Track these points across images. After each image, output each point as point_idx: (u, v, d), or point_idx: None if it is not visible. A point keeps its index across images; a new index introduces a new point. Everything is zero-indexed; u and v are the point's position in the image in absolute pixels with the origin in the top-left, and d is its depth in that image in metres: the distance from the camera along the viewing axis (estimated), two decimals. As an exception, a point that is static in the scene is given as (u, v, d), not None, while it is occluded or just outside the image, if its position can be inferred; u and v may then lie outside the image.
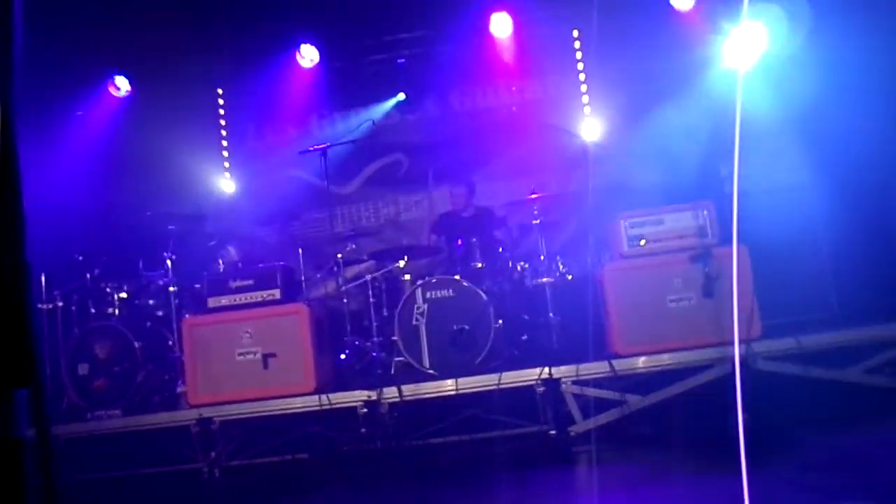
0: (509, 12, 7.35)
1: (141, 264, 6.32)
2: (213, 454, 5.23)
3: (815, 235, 5.92)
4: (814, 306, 5.73)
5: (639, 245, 5.29)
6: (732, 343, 4.92)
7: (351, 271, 6.71)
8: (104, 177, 7.59)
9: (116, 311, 6.12)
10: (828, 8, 5.99)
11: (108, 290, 6.17)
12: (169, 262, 6.03)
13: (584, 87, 7.76)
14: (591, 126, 7.74)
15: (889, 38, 5.69)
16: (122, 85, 7.63)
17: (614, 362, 5.06)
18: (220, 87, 8.26)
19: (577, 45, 7.81)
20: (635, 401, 5.03)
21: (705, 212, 5.24)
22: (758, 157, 6.09)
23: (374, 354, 5.94)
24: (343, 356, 6.13)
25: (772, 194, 5.94)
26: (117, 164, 7.65)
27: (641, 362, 5.07)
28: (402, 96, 7.91)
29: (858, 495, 3.44)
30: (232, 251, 6.71)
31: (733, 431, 4.35)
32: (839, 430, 4.46)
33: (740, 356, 4.87)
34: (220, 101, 8.32)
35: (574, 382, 5.07)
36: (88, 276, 6.23)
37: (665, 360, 5.05)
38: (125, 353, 5.86)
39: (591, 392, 5.06)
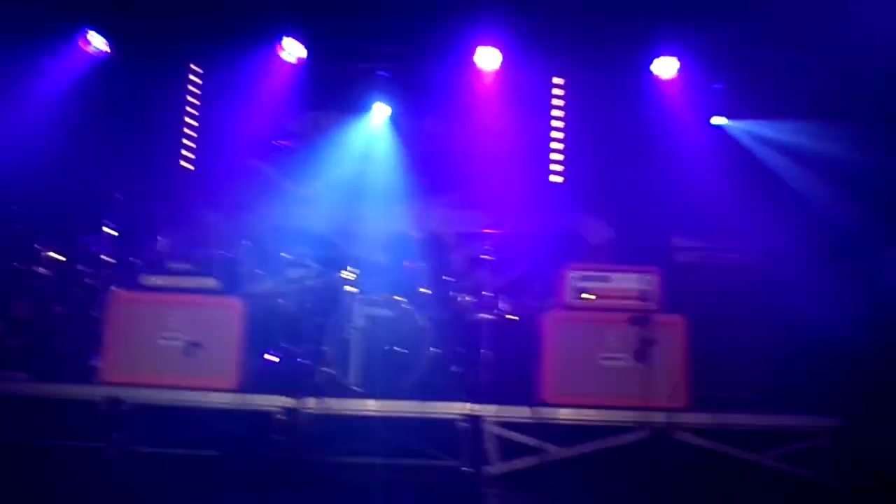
0: (497, 47, 7.40)
1: (77, 227, 6.10)
2: (116, 436, 5.03)
3: (756, 317, 6.04)
4: (744, 385, 5.83)
5: (582, 298, 5.33)
6: (656, 409, 4.99)
7: (294, 273, 6.58)
8: (61, 133, 7.33)
9: (43, 270, 5.87)
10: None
11: (37, 246, 5.91)
12: (109, 230, 5.84)
13: (557, 135, 7.84)
14: (556, 173, 7.81)
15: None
16: (95, 41, 7.39)
17: (539, 409, 5.06)
18: (196, 64, 8.09)
19: (559, 92, 7.90)
20: (554, 451, 5.04)
21: (651, 277, 5.32)
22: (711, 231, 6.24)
23: (300, 361, 5.82)
24: (271, 358, 5.97)
25: (719, 270, 6.08)
26: (76, 122, 7.40)
27: (566, 413, 5.08)
28: (381, 109, 7.87)
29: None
30: (178, 231, 6.52)
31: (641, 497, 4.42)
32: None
33: (660, 424, 4.93)
34: (195, 79, 8.14)
35: (496, 423, 5.05)
36: (20, 227, 5.97)
37: (589, 414, 5.09)
38: (44, 316, 5.63)
39: (512, 435, 5.05)
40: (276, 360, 5.86)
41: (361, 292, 5.79)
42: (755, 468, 5.04)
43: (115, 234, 5.83)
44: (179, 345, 5.21)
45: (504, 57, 7.44)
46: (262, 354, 5.91)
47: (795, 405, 5.45)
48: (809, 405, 5.34)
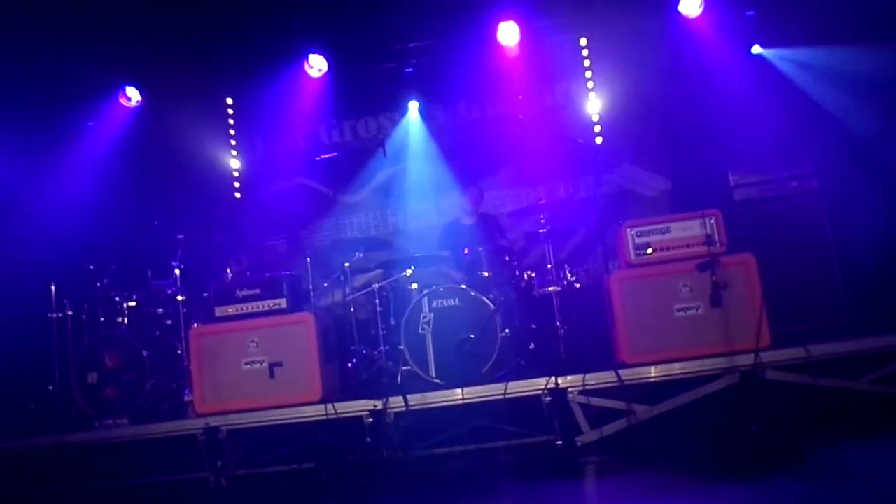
0: (517, 21, 7.33)
1: (150, 273, 6.38)
2: (219, 463, 5.24)
3: (824, 243, 5.86)
4: (824, 315, 5.67)
5: (646, 253, 5.26)
6: (740, 352, 4.90)
7: (358, 280, 6.72)
8: (115, 187, 7.67)
9: (125, 320, 6.16)
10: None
11: (117, 298, 6.20)
12: (177, 271, 6.09)
13: (591, 95, 7.74)
14: (599, 134, 7.72)
15: None
16: (133, 95, 7.67)
17: (621, 372, 5.03)
18: (229, 97, 8.30)
19: (585, 52, 7.79)
20: (643, 411, 4.99)
21: (712, 220, 5.21)
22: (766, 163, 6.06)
23: (380, 364, 5.94)
24: (350, 365, 6.12)
25: (780, 202, 5.91)
26: (128, 173, 7.72)
27: (650, 372, 5.02)
28: (414, 105, 7.92)
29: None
30: (242, 260, 6.75)
31: (740, 442, 4.35)
32: (847, 442, 4.40)
33: (748, 366, 4.83)
34: (230, 111, 8.36)
35: (581, 392, 5.04)
36: (98, 284, 6.27)
37: (674, 369, 5.01)
38: (134, 362, 5.89)
39: (598, 402, 5.03)
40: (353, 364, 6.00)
41: (427, 287, 5.85)
42: (853, 396, 4.88)
43: (184, 273, 6.05)
44: (262, 367, 5.38)
45: (525, 28, 7.37)
46: (342, 363, 6.05)
47: (880, 326, 5.26)
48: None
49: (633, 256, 5.28)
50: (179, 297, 6.07)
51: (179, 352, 6.04)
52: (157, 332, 6.23)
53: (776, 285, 5.19)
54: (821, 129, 6.32)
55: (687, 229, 5.24)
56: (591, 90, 7.73)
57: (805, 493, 3.75)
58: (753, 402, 4.76)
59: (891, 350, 4.93)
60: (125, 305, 6.21)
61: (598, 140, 7.72)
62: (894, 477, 3.79)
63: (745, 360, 4.88)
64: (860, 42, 6.37)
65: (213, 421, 5.27)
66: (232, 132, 8.34)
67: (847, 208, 5.97)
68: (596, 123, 7.73)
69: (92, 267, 6.33)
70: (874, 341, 5.01)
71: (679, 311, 5.12)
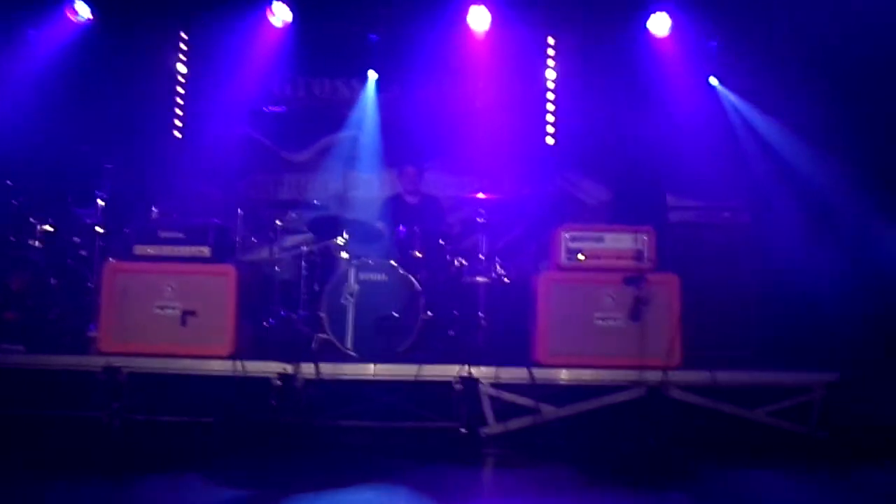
0: (488, 8, 7.30)
1: (70, 199, 6.09)
2: (115, 405, 5.07)
3: (746, 276, 6.06)
4: (735, 344, 5.87)
5: (576, 259, 5.33)
6: (651, 368, 5.03)
7: (289, 241, 6.59)
8: (49, 104, 7.28)
9: (37, 244, 5.87)
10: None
11: (31, 219, 5.90)
12: (100, 201, 5.83)
13: (550, 96, 7.77)
14: (550, 134, 7.76)
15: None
16: (82, 10, 7.30)
17: (534, 370, 5.09)
18: (184, 31, 7.99)
19: (551, 52, 7.81)
20: (549, 411, 5.07)
21: (645, 237, 5.31)
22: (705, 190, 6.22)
23: (297, 327, 5.85)
24: (266, 324, 6.01)
25: (711, 229, 6.08)
26: (65, 93, 7.33)
27: (562, 374, 5.11)
28: (373, 75, 7.80)
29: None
30: (171, 200, 6.52)
31: (638, 454, 4.48)
32: (738, 468, 4.58)
33: (655, 382, 4.97)
34: (183, 46, 8.05)
35: (492, 385, 5.08)
36: (14, 202, 5.96)
37: (585, 375, 5.11)
38: (40, 288, 5.65)
39: (508, 396, 5.08)
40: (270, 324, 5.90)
41: (356, 258, 5.79)
42: (749, 424, 5.08)
43: (108, 204, 5.81)
44: (174, 313, 5.22)
45: (496, 16, 7.34)
46: (258, 321, 5.94)
47: (788, 362, 5.49)
48: (802, 361, 5.37)
49: (564, 259, 5.34)
50: (99, 229, 5.83)
51: (90, 285, 5.80)
52: (70, 261, 5.97)
53: (696, 309, 5.35)
54: (761, 166, 6.52)
55: (620, 241, 5.33)
56: (550, 90, 7.76)
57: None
58: (656, 417, 4.90)
59: (788, 386, 5.15)
60: (40, 228, 5.92)
61: (550, 141, 7.77)
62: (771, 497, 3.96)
63: (654, 376, 5.02)
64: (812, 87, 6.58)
65: (115, 361, 5.07)
66: (182, 69, 8.03)
67: (774, 246, 6.17)
68: (550, 124, 7.77)
69: (10, 182, 6.01)
70: (775, 376, 5.23)
71: (599, 319, 5.21)
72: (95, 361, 5.12)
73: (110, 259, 5.55)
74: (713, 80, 7.43)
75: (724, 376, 5.09)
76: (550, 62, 7.80)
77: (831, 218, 6.19)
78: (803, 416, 5.10)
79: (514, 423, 5.05)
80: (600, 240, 5.34)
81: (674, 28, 7.19)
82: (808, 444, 5.04)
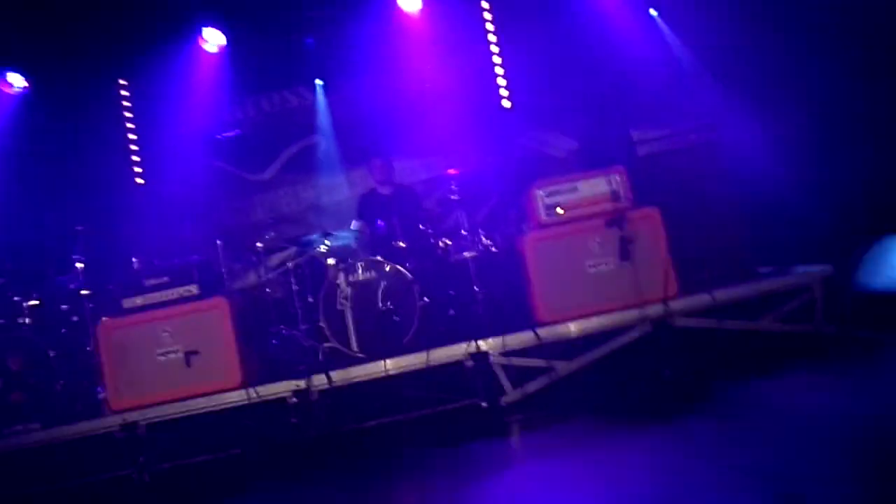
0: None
1: (50, 270, 6.07)
2: (141, 459, 5.09)
3: (724, 191, 6.08)
4: (724, 261, 5.90)
5: (556, 213, 5.35)
6: (651, 303, 5.08)
7: (273, 260, 6.59)
8: (5, 180, 7.21)
9: (27, 320, 5.85)
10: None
11: (16, 298, 5.88)
12: (79, 264, 5.81)
13: (497, 60, 7.74)
14: (505, 98, 7.75)
15: None
16: (16, 81, 7.21)
17: (539, 331, 5.14)
18: (122, 79, 7.91)
19: (487, 16, 7.77)
20: (562, 367, 5.13)
21: (618, 177, 5.34)
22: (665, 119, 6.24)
23: (301, 343, 5.87)
24: (270, 347, 6.02)
25: (680, 155, 6.10)
26: (15, 165, 7.26)
27: (566, 328, 5.15)
28: (319, 83, 7.76)
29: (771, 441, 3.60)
30: (148, 248, 6.49)
31: (655, 389, 4.54)
32: (755, 380, 4.64)
33: (658, 315, 5.02)
34: (124, 93, 7.96)
35: (502, 354, 5.13)
36: (-6, 285, 5.93)
37: (590, 324, 5.16)
38: (40, 363, 5.62)
39: (519, 362, 5.13)
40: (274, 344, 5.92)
41: (342, 261, 5.80)
42: (756, 335, 5.14)
43: (87, 266, 5.79)
44: (178, 357, 5.24)
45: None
46: (261, 346, 5.94)
47: (780, 267, 5.54)
48: (793, 263, 5.43)
49: (543, 217, 5.37)
50: (84, 292, 5.79)
51: (89, 348, 5.79)
52: (64, 330, 5.96)
53: (682, 236, 5.39)
54: (715, 81, 6.53)
55: (594, 187, 5.36)
56: (495, 54, 7.74)
57: (718, 431, 3.95)
58: (666, 348, 4.96)
59: (787, 289, 5.22)
60: (26, 305, 5.89)
61: (506, 104, 7.76)
62: (801, 408, 4.03)
63: (656, 309, 5.08)
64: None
65: (129, 416, 5.10)
66: (128, 115, 7.95)
67: (745, 156, 6.19)
68: (502, 88, 7.76)
69: (-16, 266, 5.98)
70: (773, 282, 5.30)
71: (591, 267, 5.26)
72: (111, 421, 5.15)
73: (102, 318, 5.53)
74: (653, 12, 7.41)
75: (723, 294, 5.15)
76: (489, 26, 7.76)
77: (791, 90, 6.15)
78: (807, 315, 5.17)
79: (532, 386, 5.11)
80: (575, 190, 5.36)
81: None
82: (817, 341, 5.11)
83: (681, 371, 4.79)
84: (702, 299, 5.14)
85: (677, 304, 5.10)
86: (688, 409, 4.34)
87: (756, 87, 6.48)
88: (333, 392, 5.11)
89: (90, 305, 5.80)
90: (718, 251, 5.82)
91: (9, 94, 7.23)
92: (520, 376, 5.14)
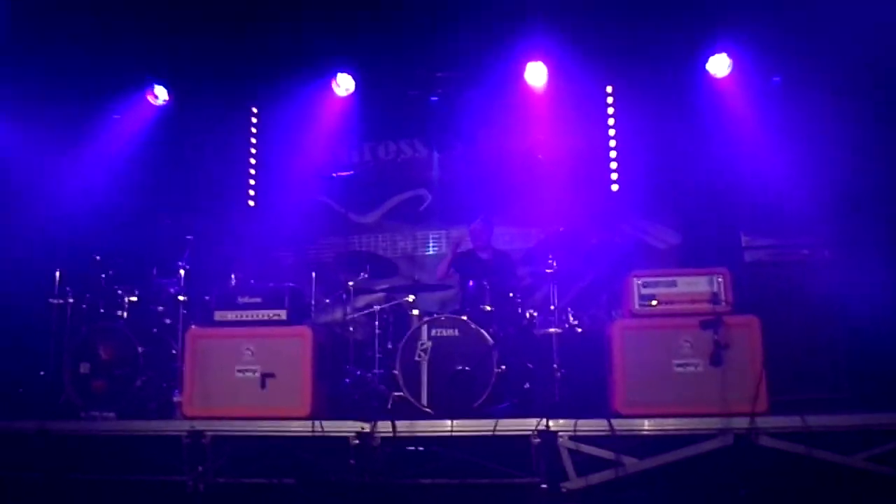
0: (545, 63, 7.41)
1: (155, 271, 6.39)
2: (200, 468, 5.17)
3: (831, 314, 5.80)
4: (823, 386, 5.60)
5: (650, 305, 5.23)
6: (736, 415, 4.83)
7: (361, 300, 6.71)
8: (132, 181, 7.74)
9: (125, 314, 6.15)
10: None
11: (119, 291, 6.21)
12: (182, 271, 6.09)
13: (612, 143, 7.78)
14: (614, 181, 7.74)
15: None
16: (161, 94, 7.78)
17: (614, 421, 4.96)
18: (254, 106, 8.40)
19: (609, 100, 7.85)
20: (632, 463, 4.92)
21: (720, 278, 5.18)
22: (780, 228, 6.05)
23: (372, 386, 5.90)
24: (342, 385, 6.08)
25: (789, 267, 5.88)
26: (146, 170, 7.80)
27: (644, 424, 4.95)
28: (436, 134, 8.00)
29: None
30: (248, 267, 6.75)
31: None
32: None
33: (742, 429, 4.77)
34: (254, 119, 8.45)
35: (571, 438, 4.96)
36: (103, 276, 6.28)
37: (668, 424, 4.94)
38: (128, 357, 5.87)
39: (587, 449, 4.96)
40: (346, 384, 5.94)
41: (428, 314, 5.83)
42: (844, 471, 4.79)
43: (189, 274, 6.06)
44: (254, 376, 5.36)
45: (553, 71, 7.44)
46: (334, 382, 5.99)
47: (879, 403, 5.19)
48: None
49: (637, 306, 5.25)
50: (181, 297, 6.07)
51: (174, 352, 6.02)
52: (155, 330, 6.22)
53: (778, 351, 5.14)
54: (835, 200, 6.32)
55: (694, 285, 5.21)
56: (612, 137, 7.77)
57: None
58: (745, 466, 4.69)
59: (887, 429, 4.86)
60: (126, 299, 6.21)
61: (614, 188, 7.74)
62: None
63: (741, 423, 4.81)
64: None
65: (198, 425, 5.21)
66: (253, 140, 8.42)
67: (857, 282, 5.92)
68: (613, 171, 7.76)
69: (98, 258, 6.36)
70: (872, 417, 4.93)
71: (678, 366, 5.07)
72: (180, 426, 5.27)
73: (192, 325, 5.75)
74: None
75: (815, 420, 4.84)
76: (610, 110, 7.83)
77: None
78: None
79: (596, 477, 4.90)
80: (674, 284, 5.23)
81: (734, 67, 7.14)
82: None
83: (758, 492, 4.50)
84: (792, 421, 4.84)
85: (765, 422, 4.82)
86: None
87: (881, 219, 6.26)
88: (395, 441, 5.07)
89: (184, 311, 6.06)
90: (817, 375, 5.52)
91: (153, 105, 7.79)
92: (585, 465, 4.95)
